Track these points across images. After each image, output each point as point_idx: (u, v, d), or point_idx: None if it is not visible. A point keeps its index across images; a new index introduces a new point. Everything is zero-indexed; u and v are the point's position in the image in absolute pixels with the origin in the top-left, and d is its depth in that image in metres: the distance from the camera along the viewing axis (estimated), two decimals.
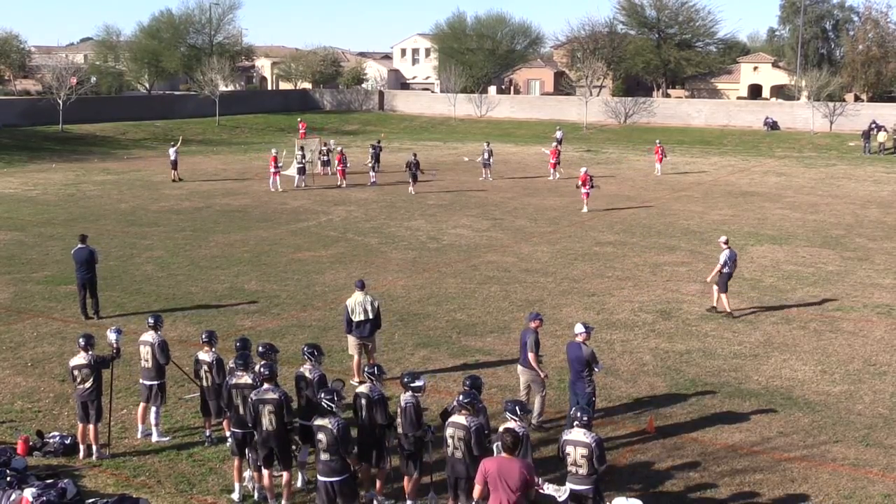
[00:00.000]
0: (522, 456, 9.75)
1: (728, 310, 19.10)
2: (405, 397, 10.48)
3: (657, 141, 48.50)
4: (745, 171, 47.14)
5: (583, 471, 9.49)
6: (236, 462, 11.14)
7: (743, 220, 31.43)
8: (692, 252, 25.79)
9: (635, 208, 33.78)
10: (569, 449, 9.56)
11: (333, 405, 9.71)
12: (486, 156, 42.16)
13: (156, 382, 12.66)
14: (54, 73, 60.22)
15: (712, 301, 19.56)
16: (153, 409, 12.71)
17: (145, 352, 12.65)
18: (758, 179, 43.51)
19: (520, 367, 13.31)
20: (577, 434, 9.57)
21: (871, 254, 25.82)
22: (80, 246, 18.94)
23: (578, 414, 9.68)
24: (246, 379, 11.08)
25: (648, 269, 23.59)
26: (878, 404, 14.30)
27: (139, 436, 12.74)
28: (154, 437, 12.65)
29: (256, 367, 11.21)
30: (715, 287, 19.39)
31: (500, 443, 9.12)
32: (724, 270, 19.14)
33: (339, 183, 39.15)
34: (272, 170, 37.59)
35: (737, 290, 21.41)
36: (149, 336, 12.72)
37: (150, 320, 12.91)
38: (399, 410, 10.49)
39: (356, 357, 14.75)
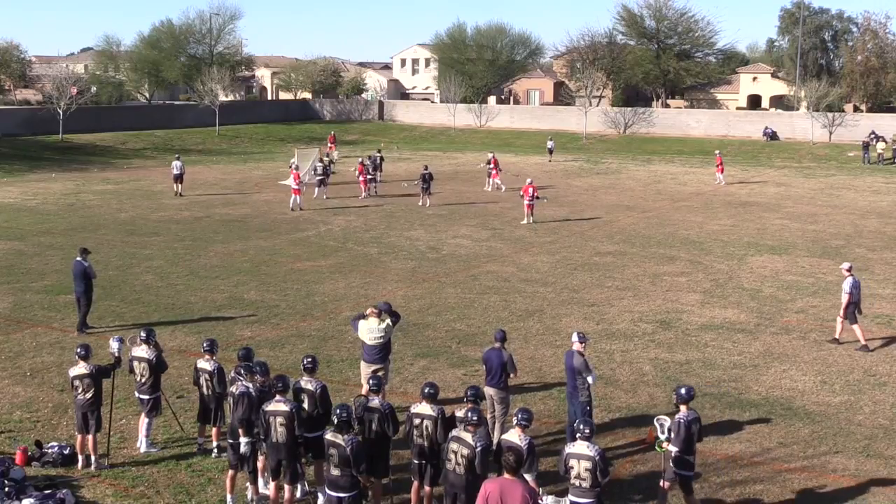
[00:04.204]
0: (528, 468, 9.71)
1: (863, 341, 17.68)
2: (433, 408, 10.40)
3: (717, 152, 48.89)
4: (745, 181, 47.18)
5: (586, 484, 9.40)
6: (230, 473, 11.09)
7: (742, 230, 31.44)
8: (692, 262, 25.79)
9: (635, 218, 33.80)
10: (572, 462, 9.46)
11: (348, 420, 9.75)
12: (489, 165, 42.29)
13: (152, 396, 12.60)
14: (54, 83, 60.36)
15: (835, 333, 18.20)
16: (145, 420, 12.65)
17: (142, 367, 12.56)
18: (757, 189, 43.56)
19: (487, 388, 12.68)
20: (579, 447, 9.47)
21: (871, 264, 25.82)
22: (76, 259, 18.81)
23: (581, 426, 9.59)
24: (240, 391, 10.95)
25: (648, 279, 23.59)
26: (879, 415, 14.28)
27: (139, 446, 12.70)
28: (143, 448, 12.59)
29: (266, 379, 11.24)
30: (839, 318, 18.10)
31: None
32: (852, 300, 17.86)
33: (361, 194, 38.58)
34: (294, 186, 35.15)
35: (736, 300, 21.43)
36: (143, 352, 12.61)
37: (143, 334, 12.80)
38: (426, 423, 10.36)
39: (365, 387, 14.06)
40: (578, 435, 9.53)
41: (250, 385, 11.01)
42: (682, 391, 10.74)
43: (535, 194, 32.93)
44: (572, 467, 9.45)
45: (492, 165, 42.11)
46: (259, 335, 18.09)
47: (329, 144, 56.25)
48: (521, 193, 33.28)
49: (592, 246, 28.07)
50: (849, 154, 58.97)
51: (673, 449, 10.47)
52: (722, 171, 45.39)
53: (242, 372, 11.27)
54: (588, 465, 9.35)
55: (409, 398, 13.80)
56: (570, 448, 9.56)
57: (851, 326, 17.92)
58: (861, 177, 49.53)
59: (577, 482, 9.45)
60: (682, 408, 10.64)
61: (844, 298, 17.97)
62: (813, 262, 26.02)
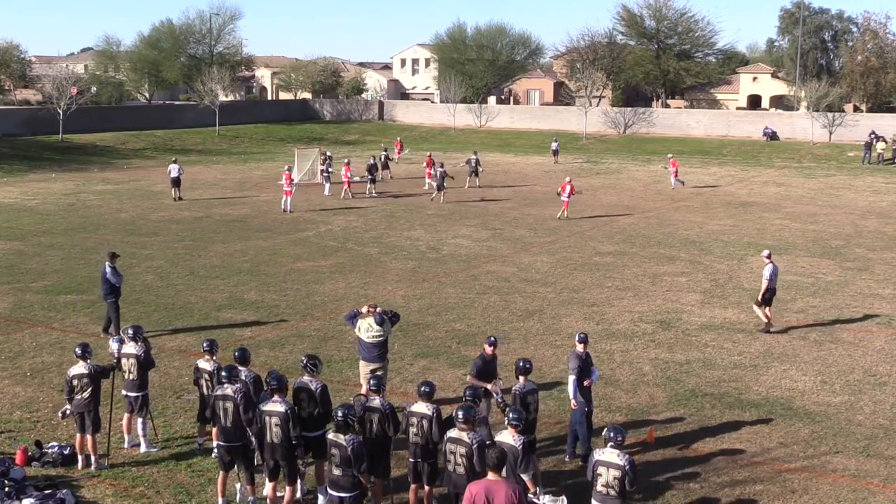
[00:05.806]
0: (525, 468, 9.67)
1: (765, 320, 18.72)
2: (430, 407, 10.39)
3: (670, 155, 48.05)
4: (745, 181, 47.17)
5: (614, 492, 9.17)
6: (221, 475, 11.00)
7: (742, 230, 31.44)
8: (692, 262, 25.78)
9: (635, 218, 33.79)
10: (601, 470, 9.21)
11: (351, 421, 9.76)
12: (472, 164, 42.93)
13: (140, 393, 12.54)
14: (54, 83, 60.29)
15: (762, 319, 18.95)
16: (139, 420, 12.63)
17: (129, 364, 12.49)
18: (757, 190, 43.55)
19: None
20: (609, 455, 9.22)
21: (871, 264, 25.82)
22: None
23: (612, 434, 9.31)
24: (228, 391, 10.79)
25: (648, 279, 23.58)
26: (879, 415, 14.28)
27: (126, 446, 12.67)
28: (142, 448, 12.56)
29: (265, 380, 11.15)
30: (755, 305, 19.02)
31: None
32: (771, 286, 18.69)
33: (343, 195, 38.37)
34: (286, 188, 34.58)
35: (736, 300, 21.42)
36: (131, 348, 12.54)
37: (130, 331, 12.73)
38: (422, 421, 10.33)
39: (364, 387, 13.41)
40: (610, 444, 9.27)
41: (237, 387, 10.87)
42: (521, 363, 11.33)
43: (573, 191, 33.50)
44: (600, 475, 9.21)
45: (426, 165, 42.36)
46: (259, 335, 18.09)
47: (396, 150, 55.94)
48: (559, 190, 33.72)
49: (592, 246, 28.07)
50: (849, 154, 58.97)
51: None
52: (676, 176, 43.28)
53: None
54: (617, 473, 9.13)
55: (409, 398, 13.78)
56: (600, 455, 9.31)
57: (761, 307, 18.72)
58: (861, 177, 49.53)
59: (604, 490, 9.21)
60: (521, 379, 11.18)
61: (763, 284, 18.74)
62: (813, 262, 26.02)
